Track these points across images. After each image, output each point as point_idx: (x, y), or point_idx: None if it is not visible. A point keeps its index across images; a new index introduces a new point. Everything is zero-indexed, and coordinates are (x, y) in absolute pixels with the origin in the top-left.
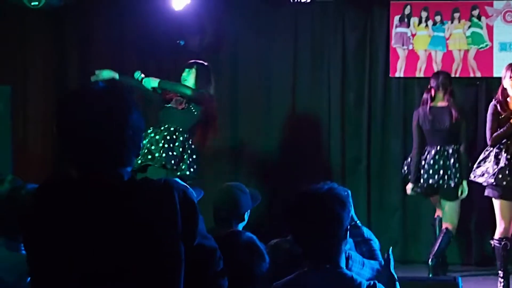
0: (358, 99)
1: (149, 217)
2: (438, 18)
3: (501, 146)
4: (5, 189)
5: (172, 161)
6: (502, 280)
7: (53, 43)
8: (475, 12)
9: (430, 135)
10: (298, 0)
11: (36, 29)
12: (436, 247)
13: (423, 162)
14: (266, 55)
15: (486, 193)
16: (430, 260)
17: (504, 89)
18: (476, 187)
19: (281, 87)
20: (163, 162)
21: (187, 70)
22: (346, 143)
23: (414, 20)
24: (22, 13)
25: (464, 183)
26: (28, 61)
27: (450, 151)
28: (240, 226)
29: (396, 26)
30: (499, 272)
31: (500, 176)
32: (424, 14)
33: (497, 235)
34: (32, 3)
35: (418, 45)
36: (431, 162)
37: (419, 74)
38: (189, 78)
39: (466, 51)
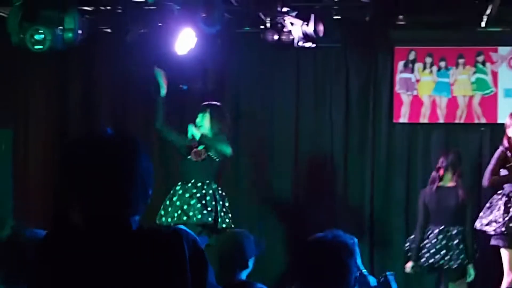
0: (362, 144)
1: (159, 267)
2: (442, 64)
3: (510, 195)
4: (5, 234)
5: (209, 218)
6: None
7: (55, 84)
8: (480, 58)
9: (435, 214)
10: (302, 45)
11: (38, 71)
12: None
13: (426, 241)
14: (269, 99)
15: (493, 243)
16: None
17: (510, 138)
18: (482, 237)
19: (284, 130)
20: (201, 222)
21: (200, 115)
22: (349, 186)
23: (418, 65)
24: (25, 56)
25: (470, 267)
26: (31, 101)
27: (454, 232)
28: (244, 274)
29: (401, 72)
30: None
31: (511, 225)
32: (428, 60)
33: (504, 286)
34: (36, 47)
35: (423, 91)
36: (434, 241)
37: (424, 120)
38: (204, 123)
39: (471, 97)
